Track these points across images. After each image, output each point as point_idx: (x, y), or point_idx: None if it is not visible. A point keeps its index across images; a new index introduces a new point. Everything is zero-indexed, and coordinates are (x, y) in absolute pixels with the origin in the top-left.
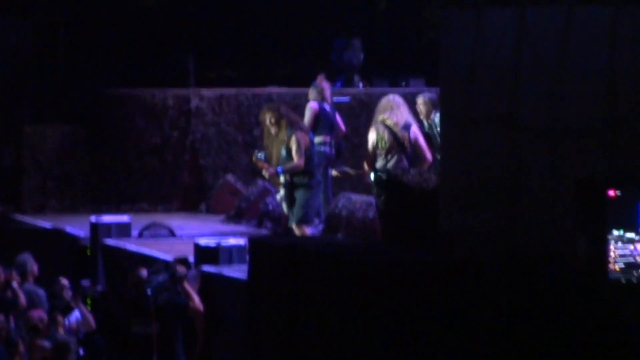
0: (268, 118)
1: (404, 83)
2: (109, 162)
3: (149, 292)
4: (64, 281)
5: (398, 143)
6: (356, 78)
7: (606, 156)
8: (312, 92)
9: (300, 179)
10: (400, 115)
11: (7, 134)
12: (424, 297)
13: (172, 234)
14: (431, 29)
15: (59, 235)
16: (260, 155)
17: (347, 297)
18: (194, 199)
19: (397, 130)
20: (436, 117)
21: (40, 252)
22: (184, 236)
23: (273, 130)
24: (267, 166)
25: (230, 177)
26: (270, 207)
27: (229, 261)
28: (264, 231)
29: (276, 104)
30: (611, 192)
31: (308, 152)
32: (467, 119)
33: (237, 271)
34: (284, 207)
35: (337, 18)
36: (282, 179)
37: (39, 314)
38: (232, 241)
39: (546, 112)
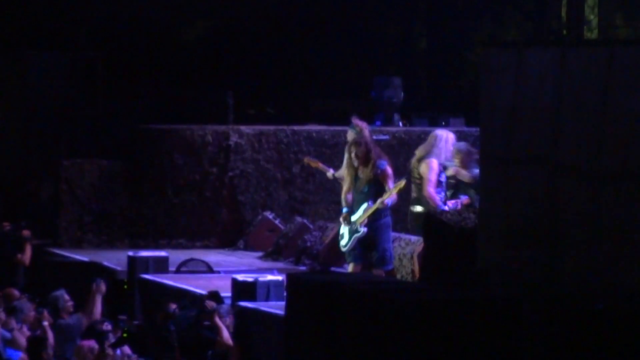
0: (354, 152)
1: (443, 122)
2: (147, 197)
3: (171, 327)
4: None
5: None
6: (396, 116)
7: None
8: (350, 133)
9: (383, 217)
10: None
11: (46, 168)
12: (462, 335)
13: (209, 269)
14: (471, 68)
15: (96, 269)
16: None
17: (384, 335)
18: (232, 236)
19: None
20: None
21: (78, 286)
22: (222, 272)
23: (356, 163)
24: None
25: (268, 214)
26: (308, 244)
27: (267, 297)
28: (302, 268)
29: (361, 138)
30: None
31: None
32: (507, 160)
33: (275, 307)
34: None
35: (377, 56)
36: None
37: (90, 344)
38: (270, 277)
39: (587, 154)
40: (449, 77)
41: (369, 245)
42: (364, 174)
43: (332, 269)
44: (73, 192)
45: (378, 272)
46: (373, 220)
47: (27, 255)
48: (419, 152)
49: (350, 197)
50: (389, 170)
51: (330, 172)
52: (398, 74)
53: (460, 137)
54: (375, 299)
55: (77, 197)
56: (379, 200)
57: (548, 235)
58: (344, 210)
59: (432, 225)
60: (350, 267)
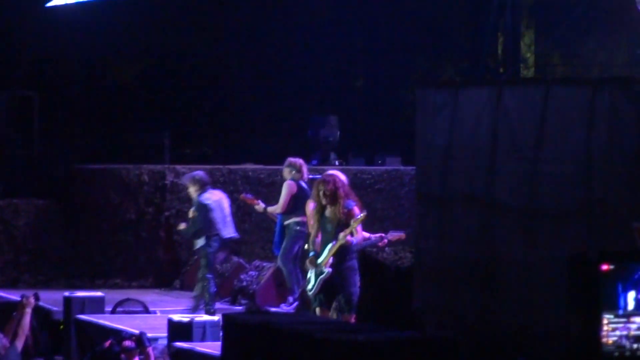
0: (322, 190)
1: (380, 161)
2: (83, 237)
3: None
4: None
5: None
6: (332, 155)
7: (581, 237)
8: (288, 171)
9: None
10: None
11: None
12: None
13: (146, 310)
14: (408, 107)
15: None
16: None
17: None
18: (168, 275)
19: None
20: None
21: (10, 323)
22: (158, 312)
23: (325, 202)
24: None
25: None
26: (245, 284)
27: (202, 338)
28: (238, 308)
29: (332, 175)
30: (604, 267)
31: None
32: (442, 199)
33: (211, 348)
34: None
35: (313, 95)
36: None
37: None
38: (206, 317)
39: (522, 192)
40: (385, 116)
41: (335, 289)
42: (331, 213)
43: (269, 309)
44: (9, 232)
45: (345, 318)
46: (339, 262)
47: None
48: None
49: (318, 240)
50: (357, 210)
51: (260, 205)
52: (334, 113)
53: (397, 175)
54: (311, 340)
55: (13, 237)
56: (341, 235)
57: (483, 275)
58: (311, 254)
59: (369, 264)
60: (317, 312)
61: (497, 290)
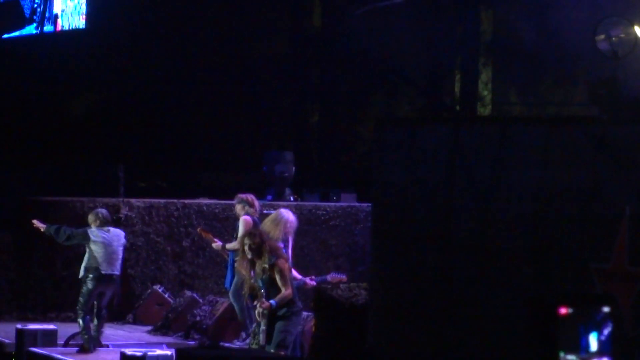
0: (248, 244)
1: (335, 197)
2: (36, 269)
3: None
4: None
5: None
6: (287, 191)
7: (533, 277)
8: (241, 207)
9: (284, 308)
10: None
11: None
12: None
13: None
14: (364, 143)
15: None
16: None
17: None
18: (121, 309)
19: None
20: None
21: None
22: (111, 345)
23: (250, 255)
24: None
25: (158, 288)
26: (198, 318)
27: None
28: (191, 343)
29: (256, 230)
30: (563, 310)
31: (290, 280)
32: (398, 236)
33: None
34: (261, 338)
35: (269, 130)
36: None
37: None
38: (159, 352)
39: (477, 230)
40: (341, 152)
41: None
42: (259, 266)
43: (221, 343)
44: None
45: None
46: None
47: None
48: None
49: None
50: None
51: (218, 244)
52: (290, 149)
53: (352, 212)
54: None
55: None
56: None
57: (438, 313)
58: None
59: (322, 301)
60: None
61: (454, 328)
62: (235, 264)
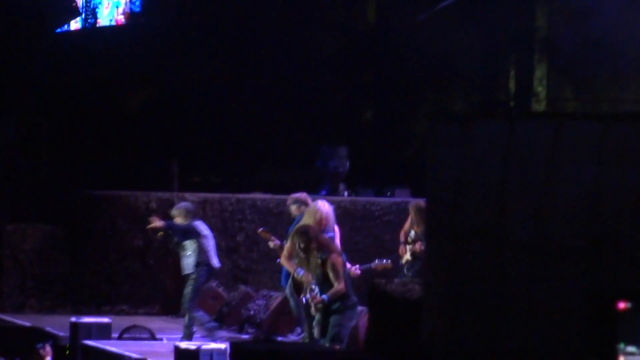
0: (297, 243)
1: (389, 193)
2: (90, 263)
3: None
4: None
5: None
6: (341, 186)
7: (588, 273)
8: (296, 207)
9: (337, 302)
10: None
11: None
12: None
13: (152, 336)
14: (417, 139)
15: (38, 334)
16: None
17: None
18: (175, 303)
19: None
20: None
21: (19, 351)
22: (165, 339)
23: (302, 254)
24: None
25: (212, 282)
26: (252, 313)
27: None
28: (245, 336)
29: (305, 227)
30: (621, 305)
31: (343, 275)
32: (452, 232)
33: None
34: (316, 332)
35: (323, 126)
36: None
37: None
38: (213, 345)
39: (531, 227)
40: (394, 148)
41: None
42: (311, 262)
43: (276, 337)
44: (16, 256)
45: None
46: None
47: None
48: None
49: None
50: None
51: (276, 243)
52: (344, 144)
53: (406, 207)
54: None
55: (19, 262)
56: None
57: (492, 309)
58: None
59: (376, 295)
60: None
61: (507, 325)
62: (280, 259)
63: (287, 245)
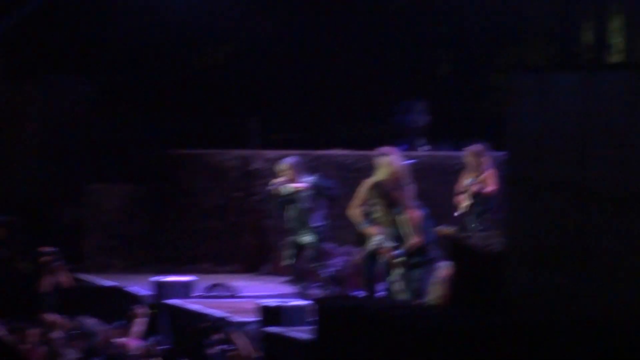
0: (372, 197)
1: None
2: (171, 222)
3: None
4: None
5: None
6: (420, 141)
7: None
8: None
9: (415, 257)
10: None
11: (70, 193)
12: None
13: (235, 294)
14: (495, 91)
15: (121, 293)
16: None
17: None
18: (256, 261)
19: None
20: None
21: (103, 310)
22: (248, 297)
23: (378, 209)
24: (386, 249)
25: None
26: (334, 269)
27: (292, 322)
28: (326, 293)
29: (380, 182)
30: None
31: (421, 228)
32: (533, 184)
33: (300, 332)
34: (400, 285)
35: (401, 81)
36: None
37: None
38: (295, 302)
39: (614, 177)
40: (473, 101)
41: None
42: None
43: (358, 293)
44: (97, 216)
45: None
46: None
47: (65, 279)
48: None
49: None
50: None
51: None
52: (422, 98)
53: None
54: (405, 324)
55: (101, 222)
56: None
57: (575, 260)
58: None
59: (459, 249)
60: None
61: (590, 277)
62: (348, 210)
63: (357, 196)
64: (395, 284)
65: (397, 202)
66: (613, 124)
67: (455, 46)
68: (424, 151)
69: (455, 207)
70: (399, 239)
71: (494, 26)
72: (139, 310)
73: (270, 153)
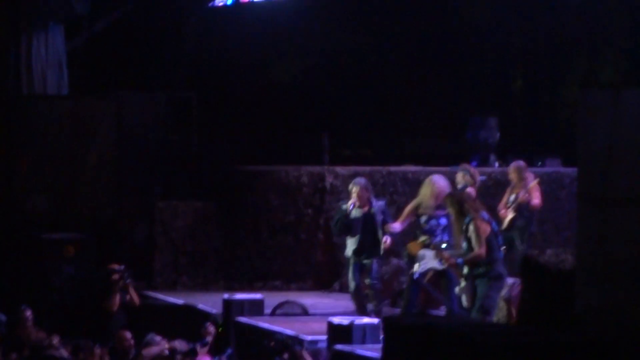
0: (449, 206)
1: (540, 163)
2: (242, 239)
3: None
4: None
5: None
6: (492, 157)
7: None
8: (462, 176)
9: (480, 269)
10: None
11: (140, 210)
12: None
13: (305, 312)
14: (567, 108)
15: (191, 311)
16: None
17: None
18: (327, 278)
19: None
20: None
21: (172, 328)
22: (318, 314)
23: (455, 217)
24: (447, 256)
25: None
26: (404, 286)
27: (363, 340)
28: (397, 310)
29: (458, 191)
30: None
31: (489, 242)
32: (605, 200)
33: (371, 350)
34: (463, 299)
35: (473, 96)
36: (464, 270)
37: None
38: (366, 320)
39: None
40: (545, 117)
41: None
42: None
43: (428, 311)
44: (167, 234)
45: None
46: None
47: (134, 297)
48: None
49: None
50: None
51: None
52: (494, 114)
53: (557, 177)
54: (471, 342)
55: (171, 239)
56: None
57: None
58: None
59: (529, 267)
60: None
61: None
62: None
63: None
64: (463, 297)
65: (469, 211)
66: None
67: (528, 62)
68: (494, 167)
69: (499, 222)
70: (466, 248)
71: (566, 41)
72: (210, 328)
73: (342, 169)
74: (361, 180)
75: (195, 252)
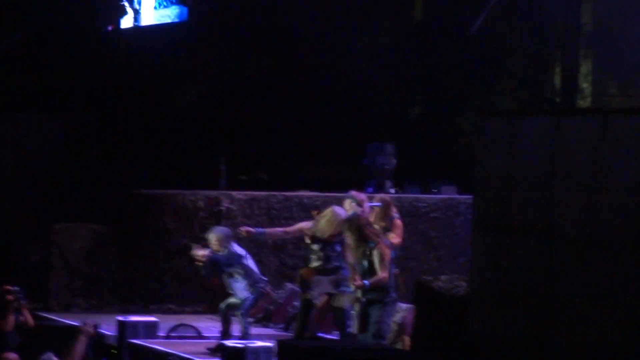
0: (348, 231)
1: (435, 190)
2: (138, 262)
3: None
4: None
5: None
6: (388, 183)
7: (638, 266)
8: (349, 203)
9: (377, 294)
10: None
11: (37, 232)
12: None
13: (199, 335)
14: (464, 136)
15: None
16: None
17: None
18: (221, 301)
19: None
20: None
21: (66, 350)
22: (211, 338)
23: (354, 243)
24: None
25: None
26: (298, 311)
27: None
28: (291, 334)
29: (356, 216)
30: None
31: (389, 268)
32: (500, 228)
33: None
34: (355, 324)
35: (370, 123)
36: (359, 294)
37: None
38: (260, 344)
39: (580, 221)
40: (441, 144)
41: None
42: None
43: (320, 335)
44: (64, 256)
45: None
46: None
47: (28, 318)
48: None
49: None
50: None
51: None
52: (391, 141)
53: (452, 204)
54: None
55: (67, 261)
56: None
57: (541, 305)
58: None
59: (423, 292)
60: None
61: (557, 321)
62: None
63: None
64: (355, 321)
65: (372, 237)
66: (580, 168)
67: (426, 89)
68: (391, 194)
69: None
70: (366, 273)
71: (464, 69)
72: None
73: (238, 194)
74: (221, 229)
75: (91, 274)
